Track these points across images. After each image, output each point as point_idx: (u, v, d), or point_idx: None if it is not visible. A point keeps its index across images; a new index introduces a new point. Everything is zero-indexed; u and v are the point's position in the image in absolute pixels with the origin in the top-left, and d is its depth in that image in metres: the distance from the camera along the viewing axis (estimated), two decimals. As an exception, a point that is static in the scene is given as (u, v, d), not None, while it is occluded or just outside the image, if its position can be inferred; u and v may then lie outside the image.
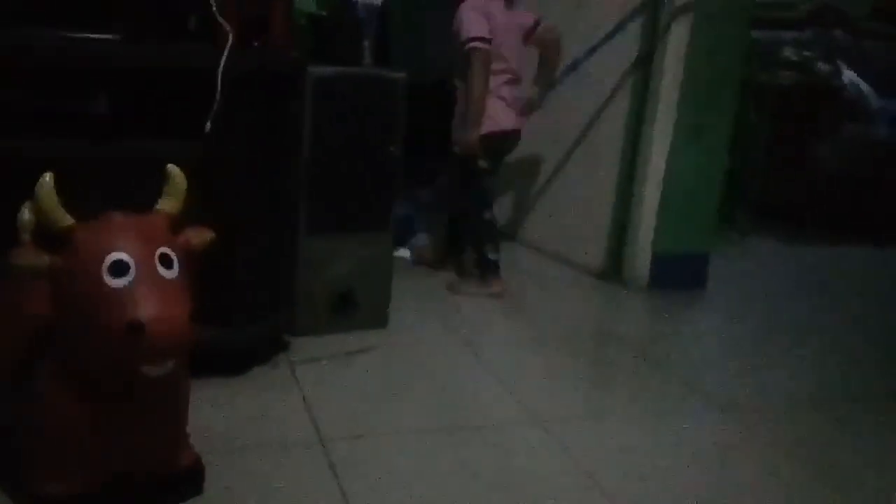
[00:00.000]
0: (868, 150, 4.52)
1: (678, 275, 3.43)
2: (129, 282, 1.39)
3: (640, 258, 3.43)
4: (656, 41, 3.30)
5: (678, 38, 3.23)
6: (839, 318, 3.36)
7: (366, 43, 2.50)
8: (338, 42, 2.44)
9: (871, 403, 2.51)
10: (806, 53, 4.69)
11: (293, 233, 2.46)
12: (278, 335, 2.49)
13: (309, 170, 2.43)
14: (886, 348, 2.97)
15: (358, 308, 2.67)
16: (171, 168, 1.53)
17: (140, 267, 1.41)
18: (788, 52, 4.60)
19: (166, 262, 1.45)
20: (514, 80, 3.09)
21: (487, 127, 3.00)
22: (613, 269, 3.54)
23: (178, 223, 1.55)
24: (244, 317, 2.25)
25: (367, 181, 2.54)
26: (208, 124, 1.98)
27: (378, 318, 2.74)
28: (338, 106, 2.42)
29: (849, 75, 4.77)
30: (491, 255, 3.15)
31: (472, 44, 2.85)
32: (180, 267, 1.48)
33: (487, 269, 3.17)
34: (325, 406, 2.17)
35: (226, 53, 1.96)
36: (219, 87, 1.95)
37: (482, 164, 3.07)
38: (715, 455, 2.13)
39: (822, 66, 4.66)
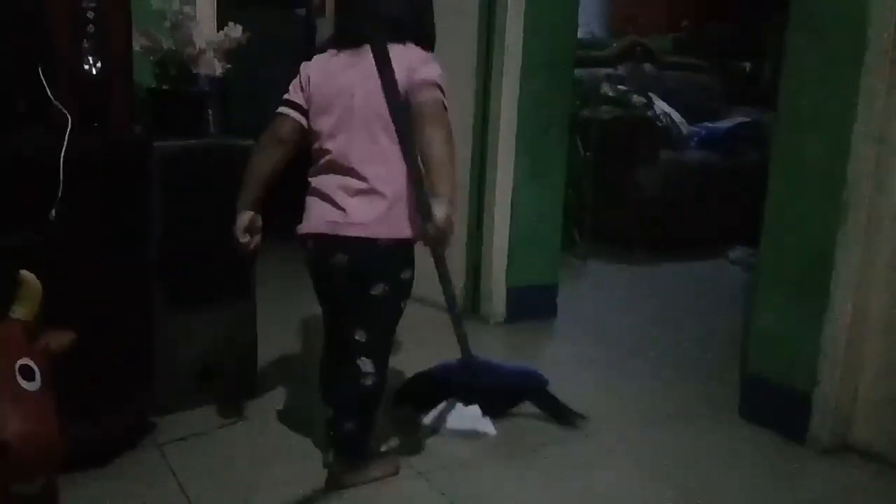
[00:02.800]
0: (682, 174, 4.96)
1: (531, 307, 3.62)
2: (-10, 401, 1.32)
3: (496, 294, 3.59)
4: (490, 90, 3.49)
5: (510, 86, 3.43)
6: (673, 331, 3.66)
7: (210, 112, 2.47)
8: (181, 115, 2.40)
9: (719, 416, 2.73)
10: (621, 88, 5.09)
11: (148, 313, 2.37)
12: (142, 418, 2.39)
13: (162, 247, 2.37)
14: (722, 358, 3.25)
15: (224, 379, 2.61)
16: (24, 273, 1.46)
17: None
18: (606, 88, 4.97)
19: (27, 373, 1.39)
20: (340, 167, 2.02)
21: (302, 227, 2.13)
22: (472, 307, 3.67)
23: (33, 329, 1.48)
24: (103, 405, 2.15)
25: (223, 252, 2.49)
26: (52, 213, 1.90)
27: (245, 388, 2.69)
28: (187, 179, 2.38)
29: (660, 106, 5.23)
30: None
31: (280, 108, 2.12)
32: (42, 376, 1.42)
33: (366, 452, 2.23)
34: (202, 486, 2.11)
35: (66, 138, 1.89)
36: (62, 174, 1.88)
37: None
38: (579, 476, 2.27)
39: (637, 99, 5.08)
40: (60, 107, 1.92)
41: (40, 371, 1.42)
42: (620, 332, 3.62)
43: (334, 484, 2.14)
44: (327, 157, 2.04)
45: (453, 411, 2.50)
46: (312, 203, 2.09)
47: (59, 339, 1.51)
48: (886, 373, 2.37)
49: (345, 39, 2.06)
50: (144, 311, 2.34)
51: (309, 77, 2.06)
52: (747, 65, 6.21)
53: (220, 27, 2.57)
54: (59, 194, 1.88)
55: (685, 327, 3.72)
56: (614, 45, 5.70)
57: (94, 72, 1.98)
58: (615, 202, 4.85)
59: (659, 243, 4.89)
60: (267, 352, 2.80)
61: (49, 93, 1.92)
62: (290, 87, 2.10)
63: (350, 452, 2.16)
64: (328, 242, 2.03)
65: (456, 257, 3.68)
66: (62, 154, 1.87)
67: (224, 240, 2.48)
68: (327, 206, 2.04)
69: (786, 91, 2.52)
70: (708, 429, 2.63)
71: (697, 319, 3.86)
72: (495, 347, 3.47)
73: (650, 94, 5.23)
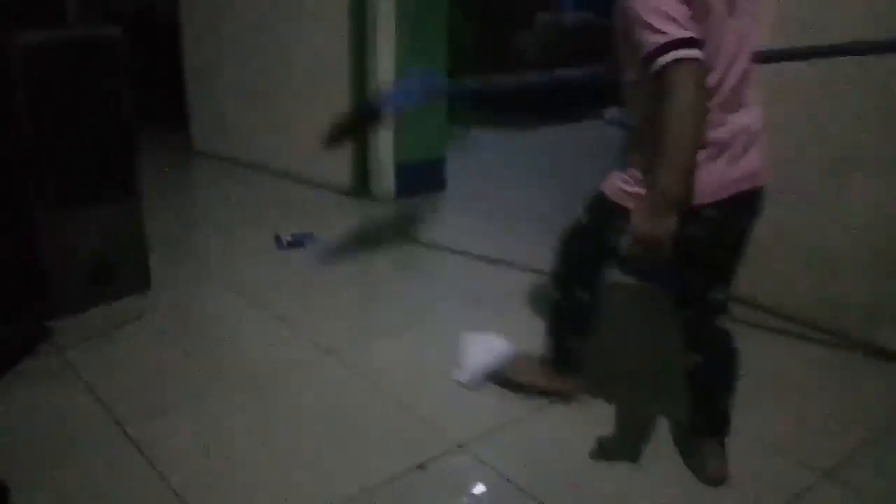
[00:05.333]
0: (560, 35, 5.01)
1: (421, 181, 3.68)
2: None
3: (385, 171, 3.62)
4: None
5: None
6: (556, 192, 3.79)
7: (68, -2, 2.29)
8: (37, 1, 2.21)
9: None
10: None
11: (29, 215, 2.28)
12: (36, 323, 2.33)
13: (34, 146, 2.23)
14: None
15: (116, 276, 2.56)
16: None
17: None
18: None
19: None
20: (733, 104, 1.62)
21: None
22: (361, 185, 3.69)
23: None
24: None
25: (102, 146, 2.40)
26: None
27: (140, 283, 2.65)
28: (53, 73, 2.22)
29: (534, -34, 5.19)
30: (574, 351, 2.02)
31: (670, 54, 1.45)
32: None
33: (562, 368, 2.04)
34: (110, 386, 2.12)
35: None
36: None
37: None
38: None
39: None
40: None
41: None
42: (508, 199, 3.75)
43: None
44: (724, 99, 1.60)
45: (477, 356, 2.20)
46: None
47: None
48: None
49: None
50: (25, 214, 2.24)
51: None
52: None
53: None
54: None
55: (566, 187, 3.88)
56: None
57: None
58: (495, 68, 4.85)
59: (536, 106, 4.98)
60: (157, 246, 2.75)
61: None
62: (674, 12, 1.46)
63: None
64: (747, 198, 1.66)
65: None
66: None
67: (101, 134, 2.39)
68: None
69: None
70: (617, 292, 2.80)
71: (578, 178, 4.01)
72: (388, 225, 3.53)
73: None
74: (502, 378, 2.10)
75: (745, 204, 1.65)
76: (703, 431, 1.83)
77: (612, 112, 5.13)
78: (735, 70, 1.58)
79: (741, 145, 1.62)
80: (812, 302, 2.48)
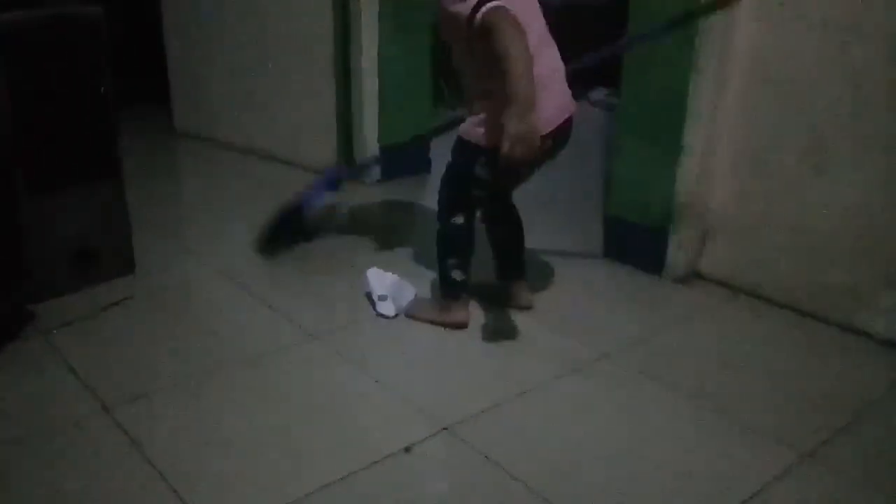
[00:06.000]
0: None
1: (406, 163, 3.67)
2: None
3: (370, 153, 3.60)
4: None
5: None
6: (539, 177, 3.80)
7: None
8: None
9: (585, 257, 2.94)
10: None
11: (10, 198, 2.25)
12: (19, 307, 2.32)
13: (15, 128, 2.21)
14: (588, 202, 3.44)
15: (100, 259, 2.55)
16: None
17: None
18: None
19: None
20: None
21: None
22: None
23: None
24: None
25: (83, 128, 2.37)
26: None
27: (124, 266, 2.64)
28: (32, 53, 2.19)
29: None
30: (456, 275, 2.35)
31: (484, 7, 1.93)
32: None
33: (448, 292, 2.38)
34: (95, 369, 2.11)
35: None
36: None
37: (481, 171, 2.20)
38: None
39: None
40: None
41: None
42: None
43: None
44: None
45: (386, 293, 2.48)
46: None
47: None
48: (732, 208, 2.62)
49: None
50: (6, 197, 2.22)
51: None
52: None
53: None
54: None
55: (549, 167, 3.87)
56: None
57: None
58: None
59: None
60: (141, 227, 2.74)
61: None
62: None
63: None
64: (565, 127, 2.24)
65: (325, 116, 3.63)
66: None
67: (82, 116, 2.37)
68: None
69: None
70: (574, 269, 2.82)
71: (561, 159, 3.99)
72: (371, 206, 3.52)
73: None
74: (408, 315, 2.44)
75: (564, 133, 2.21)
76: (513, 276, 2.50)
77: (597, 93, 5.13)
78: (537, 27, 2.07)
79: (556, 83, 2.15)
80: (793, 284, 2.51)
